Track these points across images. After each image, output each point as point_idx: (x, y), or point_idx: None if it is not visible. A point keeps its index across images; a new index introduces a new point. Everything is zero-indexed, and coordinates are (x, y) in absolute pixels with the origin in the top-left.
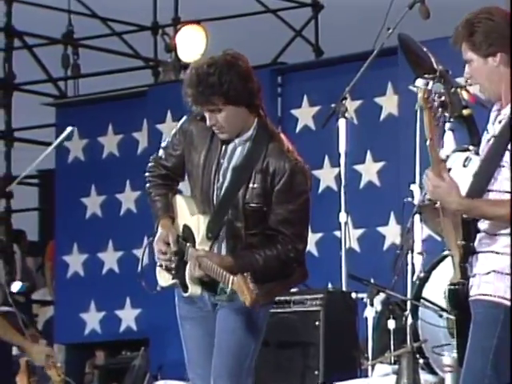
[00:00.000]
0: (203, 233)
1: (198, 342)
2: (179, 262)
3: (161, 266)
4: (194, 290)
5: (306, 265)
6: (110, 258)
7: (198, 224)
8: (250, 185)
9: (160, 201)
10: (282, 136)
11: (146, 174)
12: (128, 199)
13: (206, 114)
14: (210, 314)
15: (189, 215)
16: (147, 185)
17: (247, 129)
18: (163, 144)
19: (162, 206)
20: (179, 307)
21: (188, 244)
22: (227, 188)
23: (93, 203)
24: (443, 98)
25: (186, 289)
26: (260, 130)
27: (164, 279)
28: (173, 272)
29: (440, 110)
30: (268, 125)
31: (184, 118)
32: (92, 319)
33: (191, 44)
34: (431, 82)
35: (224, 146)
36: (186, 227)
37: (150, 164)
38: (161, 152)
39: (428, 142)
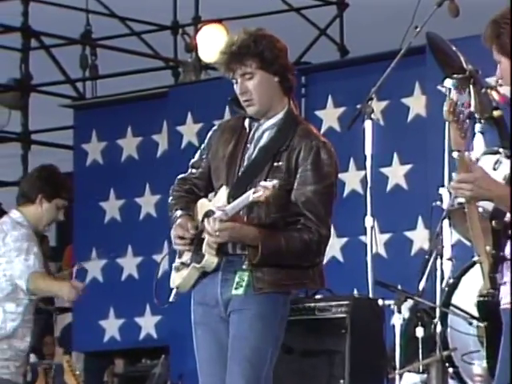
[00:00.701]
0: (224, 199)
1: (210, 348)
2: (196, 247)
3: (176, 268)
4: (211, 258)
5: (328, 271)
6: (129, 264)
7: (219, 197)
8: (275, 163)
9: (180, 204)
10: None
11: (170, 191)
12: (148, 203)
13: (238, 81)
14: (223, 319)
15: (208, 203)
16: (169, 198)
17: (276, 111)
18: (190, 162)
19: (181, 207)
20: (194, 312)
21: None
22: (250, 163)
23: (111, 207)
24: (470, 109)
25: (200, 261)
26: (290, 115)
27: (179, 276)
28: (189, 261)
29: (468, 121)
30: (298, 115)
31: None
32: (111, 326)
33: (212, 44)
34: (457, 93)
35: (251, 132)
36: (206, 213)
37: (174, 185)
38: (188, 171)
39: (456, 155)
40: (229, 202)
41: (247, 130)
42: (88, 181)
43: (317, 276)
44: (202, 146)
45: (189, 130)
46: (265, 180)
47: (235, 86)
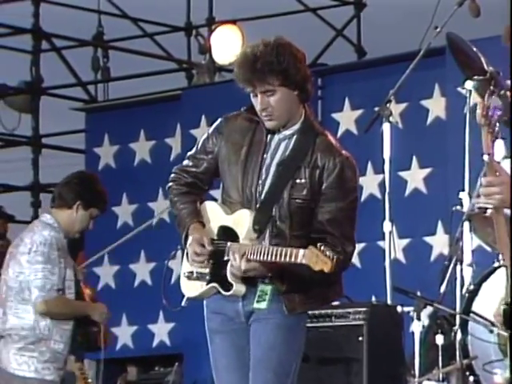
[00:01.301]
0: (249, 225)
1: (228, 356)
2: (216, 264)
3: (188, 277)
4: (239, 287)
5: (346, 277)
6: (142, 270)
7: (241, 219)
8: (298, 180)
9: (187, 208)
10: (328, 132)
11: (170, 183)
12: (161, 208)
13: (258, 97)
14: (243, 327)
15: (224, 216)
16: (171, 195)
17: (293, 122)
18: (190, 153)
19: (190, 211)
20: (209, 319)
21: (229, 242)
22: (272, 183)
23: (124, 212)
24: (501, 112)
25: (227, 288)
26: (306, 124)
27: (194, 288)
28: (207, 277)
29: (498, 124)
30: (314, 121)
31: (218, 120)
32: (124, 334)
33: (226, 45)
34: (488, 96)
35: (267, 141)
36: (223, 228)
37: (173, 174)
38: (186, 161)
39: (486, 158)
40: (254, 229)
41: (263, 137)
42: None
43: (338, 286)
44: (205, 136)
45: (202, 134)
46: (314, 246)
47: (253, 100)
